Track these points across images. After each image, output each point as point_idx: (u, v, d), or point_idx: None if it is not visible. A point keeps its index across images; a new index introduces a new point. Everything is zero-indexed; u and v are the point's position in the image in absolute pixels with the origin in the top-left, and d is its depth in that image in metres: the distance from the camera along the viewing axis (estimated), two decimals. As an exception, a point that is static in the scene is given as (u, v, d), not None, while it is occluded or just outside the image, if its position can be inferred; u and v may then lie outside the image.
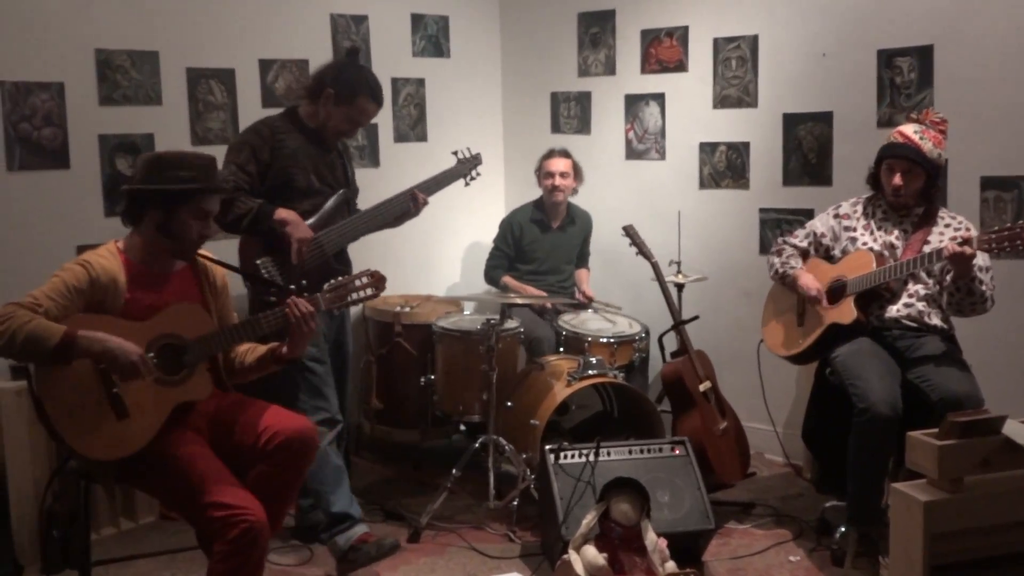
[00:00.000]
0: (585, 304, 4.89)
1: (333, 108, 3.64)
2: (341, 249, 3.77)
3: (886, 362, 3.49)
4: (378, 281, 3.06)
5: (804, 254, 3.83)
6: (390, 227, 3.90)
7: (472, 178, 4.13)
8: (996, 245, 3.17)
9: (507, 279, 4.88)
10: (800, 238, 3.85)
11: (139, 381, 2.73)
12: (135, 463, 2.76)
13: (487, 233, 5.10)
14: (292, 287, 3.01)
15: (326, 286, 3.03)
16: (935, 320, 3.55)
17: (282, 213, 3.51)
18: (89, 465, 2.83)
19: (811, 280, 3.69)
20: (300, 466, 2.92)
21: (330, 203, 3.69)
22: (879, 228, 3.66)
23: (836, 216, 3.78)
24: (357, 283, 3.03)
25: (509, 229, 4.95)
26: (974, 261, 3.32)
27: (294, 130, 3.65)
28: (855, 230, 3.70)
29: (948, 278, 3.47)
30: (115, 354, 2.65)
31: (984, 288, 3.41)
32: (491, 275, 4.97)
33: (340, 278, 3.08)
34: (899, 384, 3.43)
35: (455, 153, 4.09)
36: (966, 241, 3.23)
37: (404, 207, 3.83)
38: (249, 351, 3.07)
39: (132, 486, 3.12)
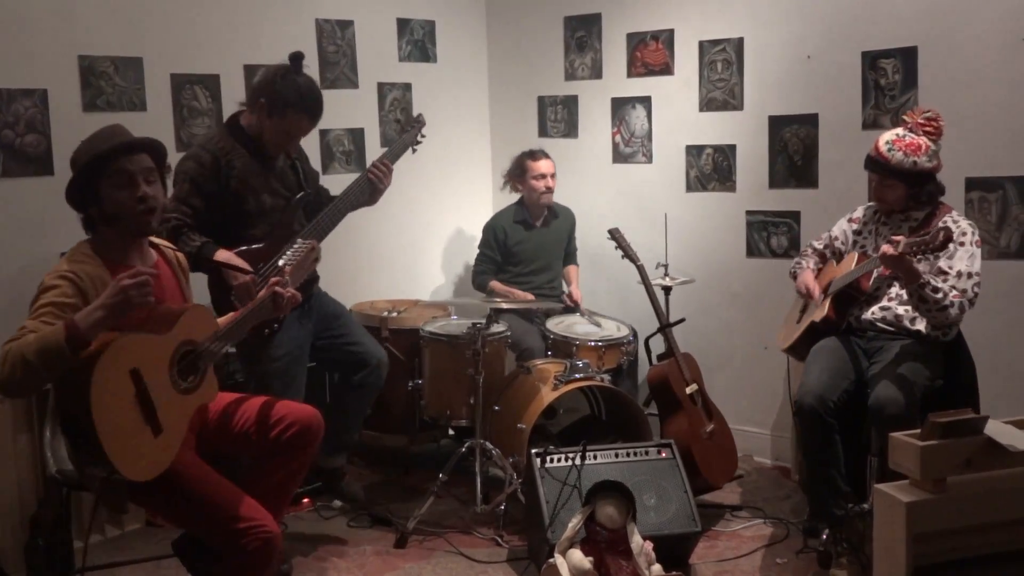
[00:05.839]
0: (573, 308, 4.88)
1: (266, 119, 3.48)
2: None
3: (839, 360, 3.54)
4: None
5: (822, 256, 3.93)
6: (366, 205, 3.81)
7: (418, 142, 3.99)
8: (916, 248, 3.21)
9: (493, 283, 4.86)
10: (821, 242, 3.95)
11: (167, 394, 2.63)
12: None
13: (475, 237, 5.10)
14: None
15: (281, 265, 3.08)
16: (917, 324, 3.55)
17: (221, 256, 3.35)
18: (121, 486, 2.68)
19: (804, 279, 3.80)
20: (309, 453, 3.01)
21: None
22: (879, 233, 3.71)
23: (850, 220, 3.87)
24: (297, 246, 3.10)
25: (492, 233, 4.93)
26: (949, 266, 3.39)
27: (238, 146, 3.50)
28: (861, 234, 3.79)
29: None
30: (114, 303, 2.46)
31: (939, 296, 3.34)
32: (478, 281, 4.95)
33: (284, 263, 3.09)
34: (847, 383, 3.48)
35: (397, 121, 4.01)
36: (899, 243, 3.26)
37: (363, 191, 3.72)
38: None
39: (142, 505, 2.96)
